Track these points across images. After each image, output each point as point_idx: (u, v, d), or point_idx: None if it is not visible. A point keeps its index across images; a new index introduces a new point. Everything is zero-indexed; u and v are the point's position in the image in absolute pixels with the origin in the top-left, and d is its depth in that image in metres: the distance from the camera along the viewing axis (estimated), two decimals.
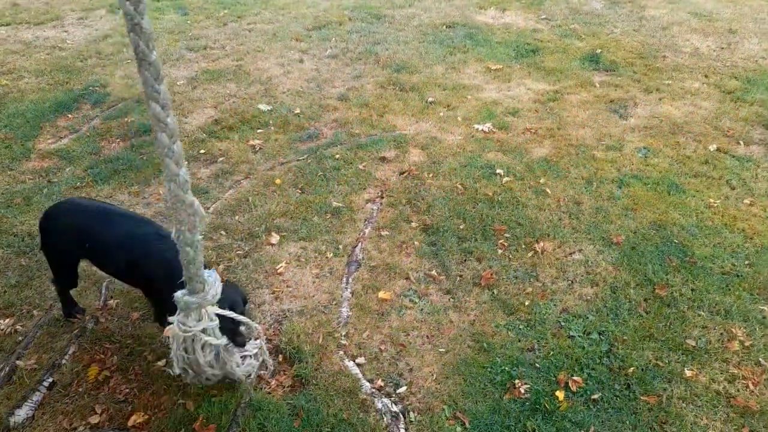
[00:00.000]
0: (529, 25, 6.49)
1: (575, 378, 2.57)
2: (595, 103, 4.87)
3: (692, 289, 3.03)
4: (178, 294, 2.02)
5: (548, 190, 3.78)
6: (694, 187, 3.82)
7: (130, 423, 2.37)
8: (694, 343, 2.73)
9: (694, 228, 3.45)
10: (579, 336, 2.79)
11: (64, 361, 2.63)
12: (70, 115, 4.73)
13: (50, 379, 2.54)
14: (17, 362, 2.61)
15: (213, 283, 2.07)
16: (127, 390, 2.53)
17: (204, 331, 2.09)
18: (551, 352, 2.71)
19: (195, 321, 2.07)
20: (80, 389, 2.52)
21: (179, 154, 1.64)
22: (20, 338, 2.74)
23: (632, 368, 2.62)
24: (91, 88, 5.15)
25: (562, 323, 2.87)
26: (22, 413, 2.39)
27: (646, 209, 3.61)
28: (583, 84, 5.18)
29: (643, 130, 4.48)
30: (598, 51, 5.75)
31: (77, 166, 4.07)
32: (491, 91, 5.12)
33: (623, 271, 3.17)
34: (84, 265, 3.06)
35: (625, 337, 2.78)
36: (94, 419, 2.39)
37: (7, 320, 2.85)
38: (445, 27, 6.46)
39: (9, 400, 2.45)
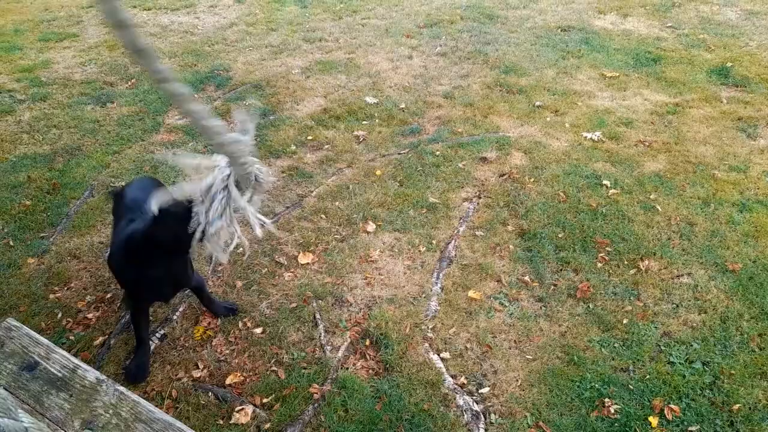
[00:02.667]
0: (652, 33, 6.13)
1: (672, 406, 2.43)
2: (721, 120, 4.52)
3: None
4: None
5: (659, 207, 3.58)
6: None
7: (227, 381, 2.56)
8: None
9: None
10: (680, 363, 2.63)
11: (175, 317, 2.88)
12: (196, 95, 5.13)
13: (162, 332, 2.80)
14: None
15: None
16: (227, 351, 2.72)
17: None
18: (647, 376, 2.57)
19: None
20: (186, 344, 2.75)
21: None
22: None
23: (738, 405, 2.43)
24: (216, 71, 5.55)
25: (663, 347, 2.71)
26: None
27: None
28: (708, 98, 4.83)
29: None
30: (729, 64, 5.32)
31: (199, 141, 4.42)
32: (604, 99, 4.90)
33: (737, 301, 2.93)
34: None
35: (732, 371, 2.58)
36: (196, 373, 2.61)
37: None
38: (559, 30, 6.27)
39: (127, 345, 2.73)
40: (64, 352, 1.76)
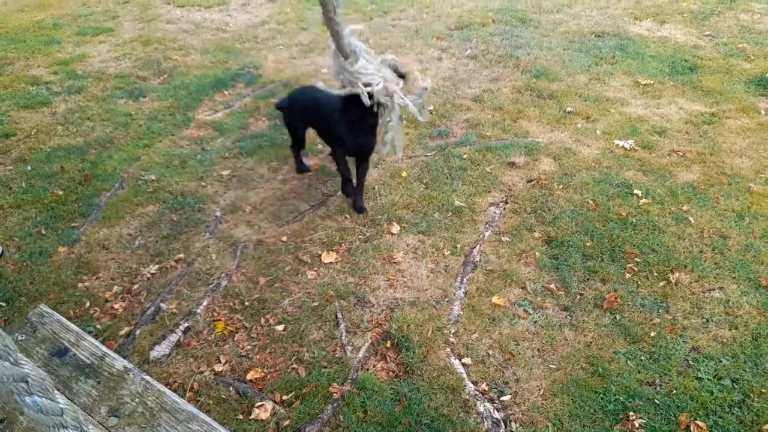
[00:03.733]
0: (689, 41, 6.00)
1: (699, 423, 2.36)
2: (759, 132, 4.39)
3: None
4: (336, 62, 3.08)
5: (691, 219, 3.49)
6: None
7: (248, 377, 2.58)
8: None
9: None
10: (708, 379, 2.56)
11: (198, 311, 2.92)
12: (226, 92, 5.19)
13: (186, 324, 2.83)
14: (161, 305, 2.94)
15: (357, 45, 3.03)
16: (249, 347, 2.74)
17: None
18: (674, 391, 2.50)
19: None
20: (209, 338, 2.78)
21: None
22: (165, 284, 3.08)
23: None
24: (246, 68, 5.60)
25: (691, 362, 2.64)
26: (161, 350, 2.69)
27: None
28: (746, 109, 4.70)
29: None
30: None
31: (227, 137, 4.47)
32: (637, 106, 4.81)
33: None
34: (224, 228, 3.37)
35: (763, 390, 2.49)
36: (218, 367, 2.63)
37: (156, 266, 3.21)
38: (593, 36, 6.17)
39: (151, 336, 2.77)
40: (93, 340, 1.79)
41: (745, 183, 3.81)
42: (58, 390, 1.56)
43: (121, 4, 7.61)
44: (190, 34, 6.57)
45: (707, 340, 2.75)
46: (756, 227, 3.43)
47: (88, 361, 1.69)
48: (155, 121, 4.69)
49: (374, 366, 2.66)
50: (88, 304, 2.95)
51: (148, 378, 1.66)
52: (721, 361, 2.65)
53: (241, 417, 2.40)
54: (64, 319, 1.80)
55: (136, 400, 1.59)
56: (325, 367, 2.63)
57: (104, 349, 1.73)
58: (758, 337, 2.76)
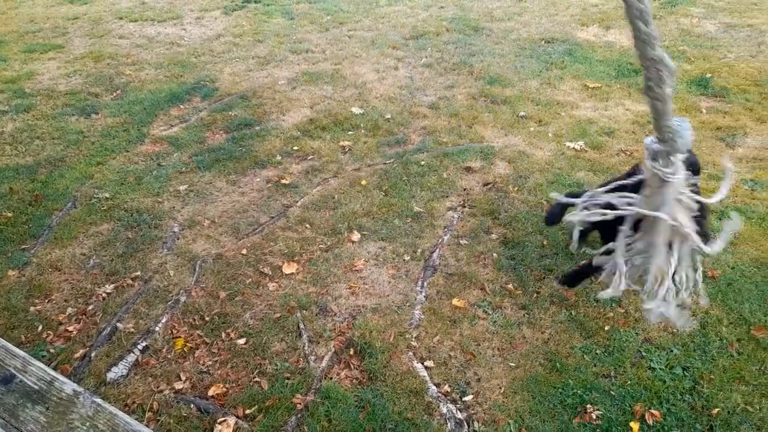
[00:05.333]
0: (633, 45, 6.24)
1: (653, 411, 2.45)
2: (700, 130, 4.60)
3: None
4: (647, 140, 1.82)
5: None
6: None
7: (209, 393, 2.54)
8: None
9: None
10: (661, 369, 2.66)
11: (157, 329, 2.87)
12: (181, 106, 5.13)
13: (144, 343, 2.78)
14: (117, 324, 2.88)
15: (683, 131, 1.78)
16: (210, 362, 2.71)
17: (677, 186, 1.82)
18: (629, 382, 2.59)
19: (665, 166, 1.79)
20: (169, 356, 2.74)
21: (647, 12, 1.48)
22: (121, 303, 3.02)
23: (717, 409, 2.45)
24: (202, 82, 5.55)
25: (644, 353, 2.74)
26: (119, 370, 2.63)
27: (747, 244, 3.37)
28: (689, 109, 4.91)
29: (751, 161, 4.18)
30: (708, 75, 5.43)
31: (184, 152, 4.41)
32: (587, 109, 4.98)
33: (716, 307, 2.97)
34: (182, 243, 3.33)
35: (712, 376, 2.61)
36: (178, 385, 2.59)
37: (112, 286, 3.14)
38: (543, 42, 6.36)
39: (108, 358, 2.70)
40: (41, 364, 1.74)
41: None
42: (2, 419, 1.52)
43: (71, 20, 7.44)
44: (144, 48, 6.47)
45: (658, 332, 2.86)
46: None
47: (36, 387, 1.64)
48: (108, 137, 4.60)
49: (338, 374, 2.67)
50: (40, 327, 2.86)
51: (99, 401, 1.63)
52: (672, 351, 2.75)
53: None
54: (9, 345, 1.75)
55: (87, 424, 1.55)
56: (289, 379, 2.62)
57: (53, 373, 1.69)
58: (706, 325, 2.88)
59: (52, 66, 5.99)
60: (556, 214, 2.90)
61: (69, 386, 1.62)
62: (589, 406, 2.48)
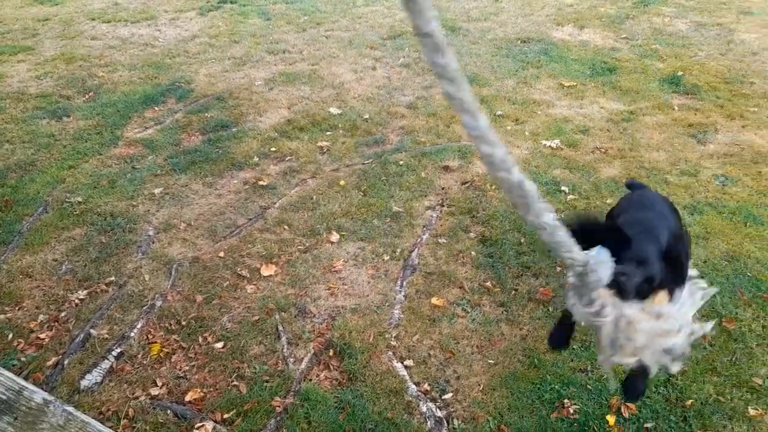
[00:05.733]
0: (607, 44, 6.33)
1: (629, 404, 2.48)
2: (672, 126, 4.69)
3: (763, 326, 2.86)
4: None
5: None
6: None
7: (186, 398, 2.51)
8: (760, 382, 2.58)
9: None
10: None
11: (132, 334, 2.82)
12: (156, 108, 5.06)
13: (119, 349, 2.73)
14: (91, 331, 2.82)
15: (599, 264, 1.43)
16: (187, 367, 2.67)
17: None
18: (605, 376, 2.63)
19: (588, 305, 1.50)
20: (144, 362, 2.69)
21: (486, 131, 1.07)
22: (95, 309, 2.96)
23: (691, 401, 2.50)
24: (177, 83, 5.48)
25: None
26: (92, 378, 2.58)
27: (719, 239, 3.44)
28: (661, 106, 5.00)
29: (722, 157, 4.27)
30: (680, 73, 5.53)
31: (159, 155, 4.35)
32: (562, 107, 5.03)
33: None
34: (157, 247, 3.29)
35: (685, 369, 2.65)
36: (154, 391, 2.55)
37: (85, 291, 3.08)
38: (519, 42, 6.42)
39: (81, 365, 2.65)
40: (9, 374, 1.70)
41: (662, 175, 4.05)
42: None
43: (41, 21, 7.29)
44: (117, 50, 6.36)
45: None
46: None
47: (3, 397, 1.60)
48: (81, 140, 4.52)
49: (317, 376, 2.66)
50: (11, 335, 2.80)
51: (70, 409, 1.60)
52: None
53: None
54: None
55: None
56: (267, 382, 2.60)
57: (22, 382, 1.65)
58: None
59: (22, 68, 5.86)
60: (563, 339, 2.48)
61: (39, 395, 1.58)
62: (566, 401, 2.51)
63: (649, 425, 2.41)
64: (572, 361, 2.71)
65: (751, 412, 2.45)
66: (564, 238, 1.23)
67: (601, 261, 1.45)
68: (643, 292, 1.65)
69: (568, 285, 1.56)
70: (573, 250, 1.26)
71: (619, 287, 1.55)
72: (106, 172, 4.13)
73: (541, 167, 4.15)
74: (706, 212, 3.67)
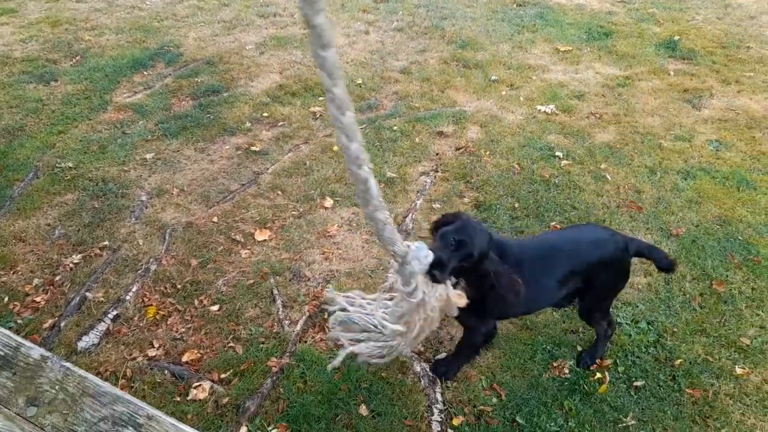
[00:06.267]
0: (604, 8, 6.24)
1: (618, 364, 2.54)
2: (668, 92, 4.66)
3: (753, 288, 2.91)
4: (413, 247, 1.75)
5: (608, 177, 3.69)
6: (767, 184, 3.62)
7: (183, 359, 2.54)
8: (748, 342, 2.63)
9: (762, 226, 3.28)
10: (626, 323, 2.74)
11: (128, 297, 2.83)
12: (145, 72, 4.96)
13: (115, 312, 2.74)
14: (87, 294, 2.83)
15: (418, 255, 1.73)
16: (183, 329, 2.69)
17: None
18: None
19: (406, 285, 1.79)
20: (141, 324, 2.71)
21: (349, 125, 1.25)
22: (90, 273, 2.96)
23: (680, 360, 2.56)
24: (165, 47, 5.37)
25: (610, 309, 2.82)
26: (89, 339, 2.60)
27: (711, 203, 3.47)
28: (657, 71, 4.97)
29: (716, 123, 4.27)
30: (677, 38, 5.48)
31: (149, 120, 4.29)
32: (557, 72, 4.99)
33: (680, 263, 3.06)
34: (150, 212, 3.28)
35: (675, 329, 2.71)
36: (151, 352, 2.57)
37: (79, 256, 3.07)
38: (515, 5, 6.31)
39: (78, 327, 2.66)
40: (7, 331, 1.70)
41: (657, 140, 4.05)
42: None
43: None
44: (103, 13, 6.20)
45: (625, 288, 2.93)
46: (666, 181, 3.66)
47: (1, 353, 1.61)
48: (69, 105, 4.43)
49: (312, 338, 2.68)
50: (6, 299, 2.80)
51: (68, 364, 1.60)
52: (637, 306, 2.84)
53: (178, 399, 2.37)
54: None
55: (56, 387, 1.53)
56: (263, 343, 2.62)
57: (19, 339, 1.65)
58: (670, 281, 2.97)
59: (6, 31, 5.70)
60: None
61: (36, 351, 1.59)
62: (559, 360, 2.56)
63: (638, 383, 2.47)
64: (564, 323, 2.75)
65: (738, 371, 2.51)
66: (390, 234, 1.51)
67: (417, 255, 1.72)
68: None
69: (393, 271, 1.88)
70: (396, 244, 1.59)
71: (433, 277, 1.81)
72: (96, 137, 4.07)
73: (535, 132, 4.13)
74: (699, 177, 3.68)
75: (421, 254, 1.73)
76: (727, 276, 2.98)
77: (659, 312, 2.81)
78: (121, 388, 2.36)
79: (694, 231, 3.27)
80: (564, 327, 2.73)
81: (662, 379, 2.49)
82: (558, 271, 2.20)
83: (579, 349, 2.62)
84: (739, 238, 3.21)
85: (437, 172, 3.77)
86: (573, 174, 3.71)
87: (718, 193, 3.55)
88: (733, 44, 5.38)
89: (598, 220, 3.34)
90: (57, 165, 3.75)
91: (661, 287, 2.94)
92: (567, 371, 2.52)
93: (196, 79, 4.83)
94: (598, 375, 2.49)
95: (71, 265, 3.00)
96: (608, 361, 2.55)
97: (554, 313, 2.79)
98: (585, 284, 2.26)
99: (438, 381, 2.47)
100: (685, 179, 3.67)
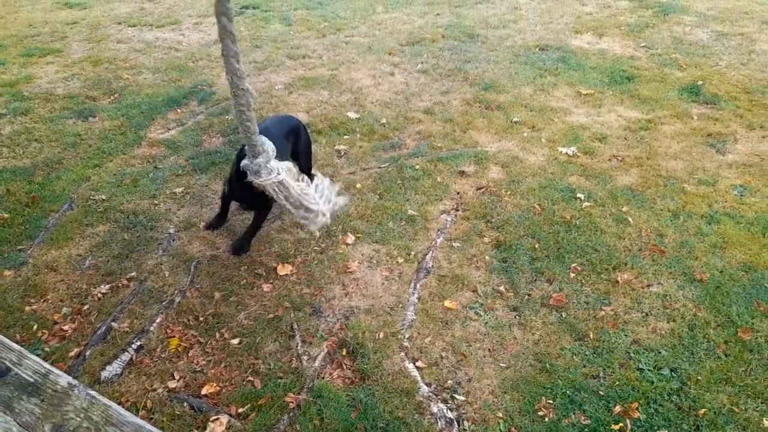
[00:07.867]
0: (626, 52, 6.32)
1: (639, 412, 2.48)
2: (691, 136, 4.66)
3: None
4: (244, 163, 2.72)
5: (630, 219, 3.68)
6: None
7: (203, 391, 2.57)
8: None
9: None
10: (649, 370, 2.69)
11: (151, 328, 2.89)
12: (178, 110, 5.17)
13: (139, 343, 2.80)
14: (112, 324, 2.90)
15: (267, 143, 2.70)
16: (204, 362, 2.73)
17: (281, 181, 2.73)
18: (617, 382, 2.63)
19: (269, 174, 2.70)
20: (163, 355, 2.76)
21: (239, 53, 2.40)
22: (116, 303, 3.04)
23: (704, 410, 2.49)
24: (199, 86, 5.60)
25: (632, 355, 2.77)
26: (113, 369, 2.65)
27: (736, 249, 3.42)
28: (680, 115, 4.98)
29: (741, 167, 4.24)
30: (700, 83, 5.50)
31: (180, 155, 4.45)
32: (579, 115, 5.04)
33: (704, 309, 3.02)
34: (177, 245, 3.37)
35: (699, 377, 2.65)
36: (172, 384, 2.61)
37: (107, 286, 3.17)
38: (538, 49, 6.43)
39: (102, 356, 2.73)
40: (36, 358, 1.78)
41: (680, 184, 4.04)
42: None
43: (70, 25, 7.49)
44: (142, 53, 6.52)
45: (647, 333, 2.90)
46: (690, 225, 3.63)
47: (31, 380, 1.68)
48: (105, 140, 4.64)
49: (330, 374, 2.70)
50: (35, 326, 2.89)
51: (93, 393, 1.66)
52: (660, 352, 2.79)
53: None
54: (5, 339, 1.78)
55: (81, 415, 1.58)
56: (281, 378, 2.64)
57: (48, 366, 1.72)
58: (694, 327, 2.92)
59: (51, 70, 6.03)
60: (216, 223, 3.62)
61: (64, 379, 1.65)
62: (578, 406, 2.51)
63: None
64: (584, 366, 2.71)
65: (766, 423, 2.44)
66: (253, 124, 2.58)
67: (268, 143, 2.69)
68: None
69: (236, 170, 2.89)
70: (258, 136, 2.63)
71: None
72: (129, 171, 4.24)
73: (557, 174, 4.16)
74: (723, 222, 3.65)
75: (268, 145, 2.70)
76: (752, 324, 2.91)
77: (683, 359, 2.75)
78: (141, 420, 2.41)
79: (718, 276, 3.22)
80: (584, 371, 2.69)
81: (686, 429, 2.43)
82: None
83: (600, 394, 2.57)
84: (765, 285, 3.15)
85: (458, 210, 3.81)
86: (594, 216, 3.71)
87: (742, 238, 3.50)
88: (757, 90, 5.38)
89: (619, 262, 3.32)
90: (91, 197, 3.90)
91: (684, 333, 2.89)
92: (586, 418, 2.47)
93: (227, 117, 5.01)
94: (620, 424, 2.44)
95: (99, 295, 3.09)
96: (628, 409, 2.50)
97: (574, 357, 2.76)
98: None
99: (455, 423, 2.45)
100: (709, 224, 3.64)
